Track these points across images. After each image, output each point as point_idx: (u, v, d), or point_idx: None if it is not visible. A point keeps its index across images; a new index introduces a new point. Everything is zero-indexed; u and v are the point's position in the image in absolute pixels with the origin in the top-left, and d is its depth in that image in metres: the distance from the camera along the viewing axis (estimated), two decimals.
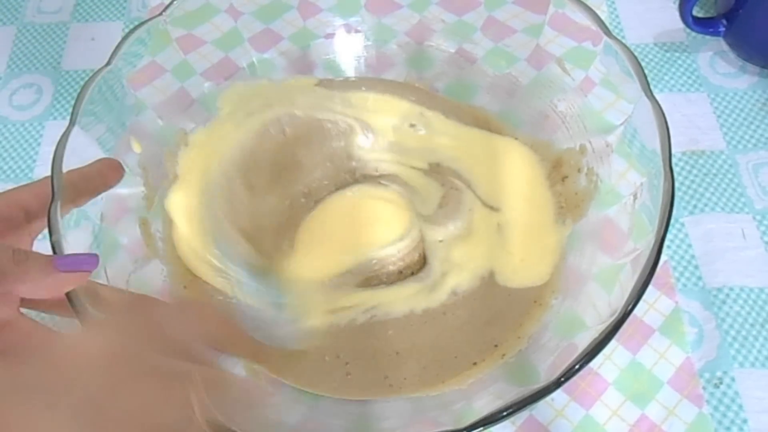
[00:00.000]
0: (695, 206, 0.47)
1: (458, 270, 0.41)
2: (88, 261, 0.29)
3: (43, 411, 0.22)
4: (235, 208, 0.44)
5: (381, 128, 0.47)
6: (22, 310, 0.31)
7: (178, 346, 0.27)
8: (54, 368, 0.24)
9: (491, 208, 0.44)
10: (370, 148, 0.47)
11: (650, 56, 0.54)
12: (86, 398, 0.23)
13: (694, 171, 0.48)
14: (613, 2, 0.57)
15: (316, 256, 0.43)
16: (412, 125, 0.47)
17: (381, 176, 0.46)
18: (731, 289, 0.43)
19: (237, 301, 0.40)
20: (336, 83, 0.49)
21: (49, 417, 0.22)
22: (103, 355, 0.24)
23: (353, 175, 0.47)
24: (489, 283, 0.41)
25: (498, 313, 0.40)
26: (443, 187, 0.45)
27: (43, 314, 0.33)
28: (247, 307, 0.40)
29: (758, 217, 0.46)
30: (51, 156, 0.34)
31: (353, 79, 0.49)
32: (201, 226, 0.42)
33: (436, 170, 0.46)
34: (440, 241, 0.43)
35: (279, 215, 0.45)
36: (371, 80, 0.49)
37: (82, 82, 0.48)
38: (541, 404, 0.39)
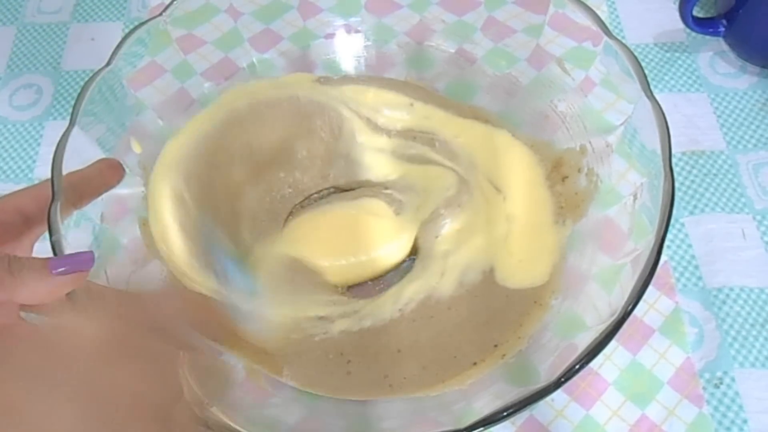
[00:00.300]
0: (695, 206, 0.47)
1: (459, 260, 0.42)
2: (84, 261, 0.29)
3: (43, 393, 0.22)
4: (213, 195, 0.43)
5: (377, 119, 0.47)
6: (22, 314, 0.31)
7: (165, 330, 0.27)
8: (51, 352, 0.24)
9: (492, 204, 0.44)
10: (365, 142, 0.47)
11: (650, 56, 0.54)
12: (83, 380, 0.23)
13: (694, 171, 0.48)
14: (613, 2, 0.57)
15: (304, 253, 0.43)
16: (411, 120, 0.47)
17: (377, 183, 0.46)
18: (731, 289, 0.43)
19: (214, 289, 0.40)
20: (335, 80, 0.49)
21: (49, 399, 0.22)
22: (97, 339, 0.25)
23: (344, 174, 0.47)
24: (490, 279, 0.41)
25: (498, 313, 0.40)
26: (442, 181, 0.45)
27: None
28: (220, 294, 0.40)
29: (758, 217, 0.46)
30: (51, 156, 0.34)
31: (353, 76, 0.49)
32: (179, 214, 0.42)
33: (433, 163, 0.46)
34: (437, 237, 0.43)
35: (260, 205, 0.45)
36: (370, 78, 0.49)
37: (82, 83, 0.48)
38: (542, 404, 0.39)
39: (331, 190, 0.47)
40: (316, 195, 0.47)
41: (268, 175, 0.46)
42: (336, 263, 0.42)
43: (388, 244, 0.43)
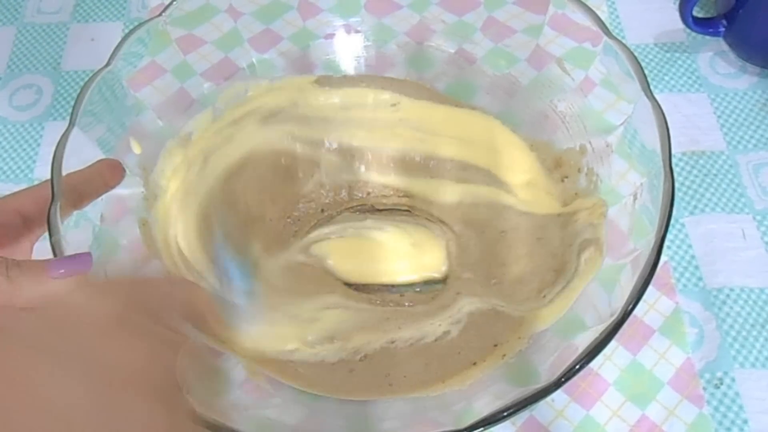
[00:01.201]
0: (695, 206, 0.47)
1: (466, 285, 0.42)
2: (81, 262, 0.29)
3: (51, 366, 0.22)
4: (229, 209, 0.44)
5: (377, 127, 0.47)
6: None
7: (163, 317, 0.27)
8: (59, 326, 0.24)
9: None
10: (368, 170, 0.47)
11: (650, 56, 0.54)
12: (92, 356, 0.23)
13: (695, 171, 0.48)
14: (613, 2, 0.57)
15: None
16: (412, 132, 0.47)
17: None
18: (731, 289, 0.43)
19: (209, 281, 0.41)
20: (334, 80, 0.49)
21: (57, 372, 0.22)
22: (105, 316, 0.25)
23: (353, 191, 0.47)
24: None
25: (498, 313, 0.40)
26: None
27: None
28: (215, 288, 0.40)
29: (758, 218, 0.46)
30: (51, 156, 0.34)
31: (352, 76, 0.49)
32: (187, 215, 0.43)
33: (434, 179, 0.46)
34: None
35: (277, 219, 0.45)
36: (370, 77, 0.49)
37: (82, 83, 0.48)
38: (542, 405, 0.39)
39: (357, 208, 0.47)
40: (341, 213, 0.46)
41: (283, 192, 0.46)
42: (347, 262, 0.42)
43: (405, 260, 0.43)
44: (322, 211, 0.46)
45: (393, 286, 0.43)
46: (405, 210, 0.46)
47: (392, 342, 0.39)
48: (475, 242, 0.43)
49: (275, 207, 0.45)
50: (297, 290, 0.41)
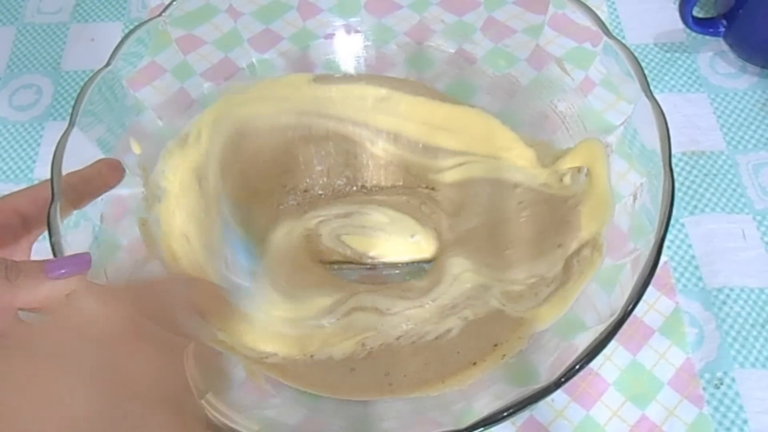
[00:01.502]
0: (695, 206, 0.47)
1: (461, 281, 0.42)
2: (80, 263, 0.29)
3: (62, 372, 0.22)
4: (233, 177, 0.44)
5: (380, 129, 0.47)
6: (21, 314, 0.31)
7: (171, 318, 0.27)
8: (71, 334, 0.24)
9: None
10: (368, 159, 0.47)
11: (650, 56, 0.54)
12: (103, 364, 0.23)
13: (694, 171, 0.48)
14: (613, 2, 0.57)
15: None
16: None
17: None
18: (731, 289, 0.43)
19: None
20: (333, 79, 0.49)
21: (69, 378, 0.22)
22: (115, 325, 0.25)
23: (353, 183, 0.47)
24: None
25: (498, 313, 0.40)
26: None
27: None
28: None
29: (758, 218, 0.46)
30: (51, 156, 0.34)
31: (351, 74, 0.49)
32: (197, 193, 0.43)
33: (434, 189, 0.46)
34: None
35: (282, 196, 0.46)
36: (369, 77, 0.49)
37: (82, 83, 0.48)
38: (542, 405, 0.39)
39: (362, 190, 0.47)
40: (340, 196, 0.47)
41: (285, 169, 0.46)
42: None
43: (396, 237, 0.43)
44: (321, 195, 0.47)
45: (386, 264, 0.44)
46: (402, 186, 0.47)
47: (397, 338, 0.39)
48: (470, 220, 0.44)
49: (278, 183, 0.46)
50: (293, 273, 0.42)
